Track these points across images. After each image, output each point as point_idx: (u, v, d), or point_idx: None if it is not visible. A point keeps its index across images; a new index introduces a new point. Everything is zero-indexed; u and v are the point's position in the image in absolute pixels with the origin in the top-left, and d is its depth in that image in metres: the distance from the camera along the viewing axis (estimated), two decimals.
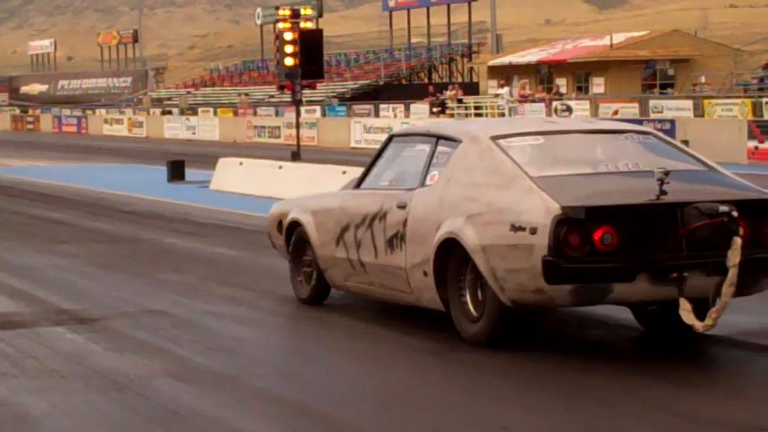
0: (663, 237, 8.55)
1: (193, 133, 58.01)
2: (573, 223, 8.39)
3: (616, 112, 38.42)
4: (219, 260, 15.11)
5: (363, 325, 10.56)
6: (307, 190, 21.87)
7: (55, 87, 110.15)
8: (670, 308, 8.76)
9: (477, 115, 48.35)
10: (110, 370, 8.76)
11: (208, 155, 34.49)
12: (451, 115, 46.61)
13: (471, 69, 71.33)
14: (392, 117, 50.48)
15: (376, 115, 51.92)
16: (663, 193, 8.53)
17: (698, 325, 8.34)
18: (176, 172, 27.17)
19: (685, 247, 8.53)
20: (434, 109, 47.44)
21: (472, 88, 64.28)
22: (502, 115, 45.03)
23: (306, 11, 31.66)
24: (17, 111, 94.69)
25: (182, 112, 69.93)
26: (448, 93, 50.80)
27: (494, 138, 9.57)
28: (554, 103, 42.63)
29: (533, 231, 8.50)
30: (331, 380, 8.53)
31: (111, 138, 59.74)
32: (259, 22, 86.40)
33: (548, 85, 50.12)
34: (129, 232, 18.34)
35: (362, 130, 45.75)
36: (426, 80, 70.67)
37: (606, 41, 59.70)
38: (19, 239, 17.32)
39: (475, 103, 50.88)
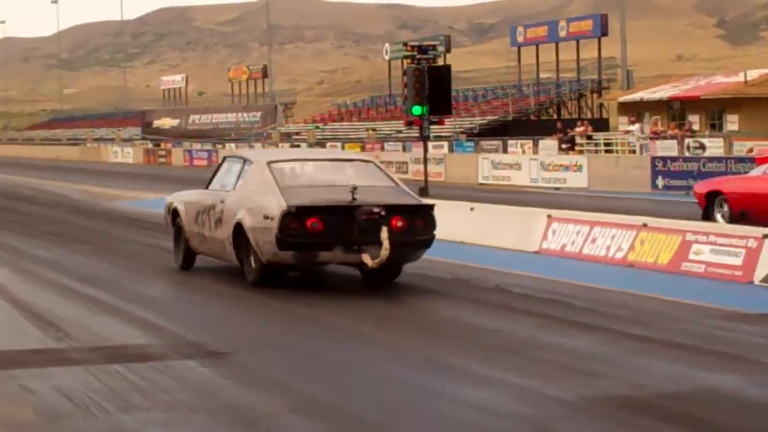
0: (349, 225, 14.18)
1: None
2: (292, 215, 14.08)
3: (750, 150, 37.64)
4: (344, 296, 15.09)
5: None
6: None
7: (187, 121, 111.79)
8: (370, 269, 14.46)
9: (607, 152, 47.84)
10: (239, 405, 8.77)
11: None
12: (581, 152, 46.15)
13: (601, 105, 70.66)
14: (520, 153, 50.19)
15: (504, 151, 51.67)
16: (354, 199, 14.23)
17: (371, 264, 14.22)
18: None
19: (359, 231, 14.17)
20: (563, 146, 46.97)
21: (601, 125, 63.69)
22: (633, 152, 44.50)
23: (434, 47, 31.64)
24: (149, 144, 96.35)
25: (310, 147, 70.49)
26: (578, 129, 50.36)
27: (269, 162, 15.36)
28: (686, 140, 41.95)
29: (272, 219, 14.19)
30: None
31: None
32: (387, 57, 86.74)
33: (680, 122, 49.29)
34: None
35: (490, 166, 45.53)
36: (555, 116, 70.20)
37: (740, 78, 58.62)
38: (151, 271, 17.50)
39: (605, 139, 50.36)
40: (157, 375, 9.92)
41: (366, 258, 14.25)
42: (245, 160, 15.97)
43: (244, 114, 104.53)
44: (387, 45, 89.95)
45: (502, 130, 64.69)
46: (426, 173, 32.07)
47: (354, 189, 14.28)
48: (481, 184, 44.16)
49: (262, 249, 14.43)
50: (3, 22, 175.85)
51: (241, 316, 13.43)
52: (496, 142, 54.40)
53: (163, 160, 78.55)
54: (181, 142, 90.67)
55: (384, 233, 14.04)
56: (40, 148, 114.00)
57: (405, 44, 33.09)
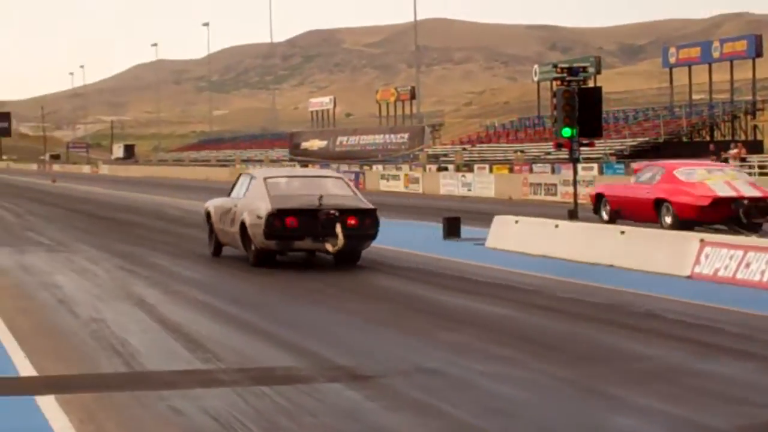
0: (314, 222, 19.69)
1: (469, 190, 58.13)
2: (275, 215, 19.69)
3: None
4: (493, 319, 14.94)
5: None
6: (584, 249, 21.62)
7: (334, 143, 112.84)
8: (340, 254, 20.15)
9: (762, 175, 46.79)
10: (386, 429, 8.69)
11: (484, 212, 34.44)
12: None
13: (755, 127, 69.35)
14: None
15: None
16: (320, 204, 19.79)
17: (331, 250, 19.86)
18: (452, 229, 27.13)
19: (321, 226, 19.69)
20: None
21: (756, 147, 62.44)
22: None
23: (584, 69, 31.28)
24: (297, 166, 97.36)
25: (458, 169, 70.43)
26: (732, 151, 49.42)
27: (265, 178, 21.19)
28: None
29: (261, 218, 19.79)
30: None
31: (388, 194, 60.56)
32: (536, 78, 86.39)
33: None
34: (403, 288, 18.36)
35: None
36: (707, 138, 69.06)
37: None
38: (300, 294, 17.57)
39: (759, 161, 49.30)
40: (303, 397, 9.90)
41: (328, 246, 19.96)
42: (252, 177, 21.80)
43: (392, 135, 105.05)
44: (536, 66, 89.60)
45: (653, 152, 63.87)
46: (576, 195, 31.65)
47: (320, 197, 20.22)
48: None
49: (256, 239, 20.33)
50: (155, 44, 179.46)
51: (390, 340, 13.36)
52: None
53: None
54: (329, 163, 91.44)
55: (338, 228, 19.72)
56: (189, 168, 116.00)
57: (555, 66, 32.76)
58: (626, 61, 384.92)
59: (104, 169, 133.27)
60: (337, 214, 19.79)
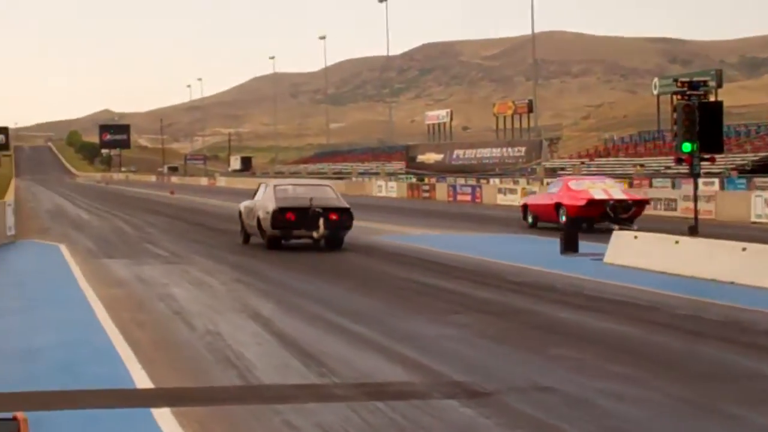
0: (305, 217, 27.56)
1: None
2: (278, 212, 27.67)
3: None
4: (611, 336, 14.70)
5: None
6: (703, 265, 21.22)
7: (451, 156, 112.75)
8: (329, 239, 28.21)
9: None
10: None
11: (602, 227, 34.12)
12: None
13: None
14: None
15: None
16: (310, 204, 27.68)
17: (316, 236, 27.89)
18: (569, 243, 26.86)
19: (309, 220, 27.56)
20: None
21: None
22: None
23: (705, 83, 30.79)
24: (414, 179, 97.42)
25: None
26: None
27: (274, 185, 29.59)
28: None
29: (269, 213, 27.82)
30: None
31: (504, 207, 60.25)
32: (655, 92, 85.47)
33: None
34: (519, 303, 18.17)
35: (763, 204, 43.99)
36: None
37: None
38: (411, 307, 17.52)
39: None
40: (418, 414, 9.82)
41: (315, 234, 27.87)
42: (266, 185, 30.12)
43: (509, 149, 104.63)
44: (656, 80, 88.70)
45: None
46: (696, 211, 31.18)
47: (311, 199, 28.16)
48: (753, 222, 42.70)
49: (266, 229, 28.29)
50: (272, 58, 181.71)
51: (504, 355, 13.20)
52: None
53: (426, 194, 79.14)
54: (445, 176, 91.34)
55: (321, 222, 27.70)
56: (306, 181, 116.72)
57: (675, 80, 32.34)
58: (748, 74, 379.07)
59: (221, 181, 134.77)
60: (321, 211, 27.86)
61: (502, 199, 66.00)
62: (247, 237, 30.30)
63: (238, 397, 10.68)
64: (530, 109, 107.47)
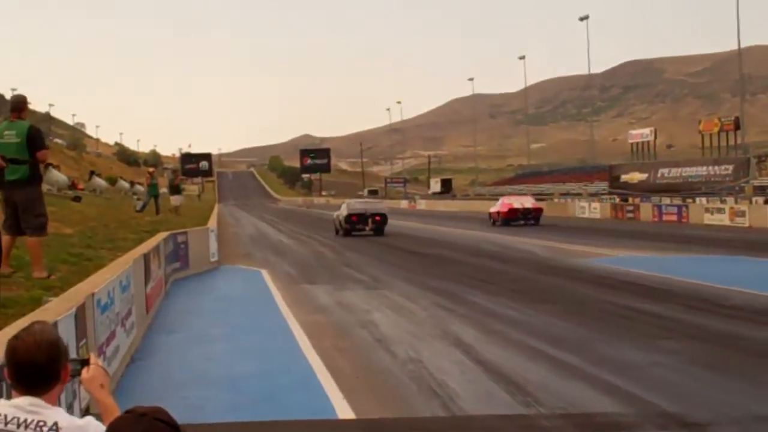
0: (363, 218, 53.81)
1: None
2: (349, 215, 53.89)
3: None
4: None
5: None
6: None
7: (655, 175, 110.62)
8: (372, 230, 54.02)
9: None
10: None
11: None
12: None
13: None
14: None
15: None
16: (365, 210, 54.68)
17: (367, 229, 54.06)
18: None
19: (365, 220, 53.80)
20: None
21: None
22: None
23: None
24: (617, 199, 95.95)
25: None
26: None
27: (347, 203, 57.27)
28: None
29: (343, 216, 54.29)
30: None
31: (711, 228, 58.74)
32: None
33: None
34: (734, 328, 17.40)
35: None
36: None
37: None
38: (617, 333, 16.98)
39: None
40: None
41: (366, 229, 52.48)
42: (345, 202, 56.42)
43: (715, 167, 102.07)
44: None
45: None
46: None
47: (366, 208, 54.44)
48: None
49: (342, 225, 53.51)
50: (471, 79, 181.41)
51: (715, 383, 12.59)
52: None
53: (630, 215, 77.79)
54: (650, 196, 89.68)
55: (369, 221, 53.04)
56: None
57: None
58: None
59: (421, 204, 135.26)
60: (369, 214, 52.47)
61: (708, 219, 64.40)
62: (336, 231, 54.91)
63: (442, 428, 10.40)
64: (737, 125, 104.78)
